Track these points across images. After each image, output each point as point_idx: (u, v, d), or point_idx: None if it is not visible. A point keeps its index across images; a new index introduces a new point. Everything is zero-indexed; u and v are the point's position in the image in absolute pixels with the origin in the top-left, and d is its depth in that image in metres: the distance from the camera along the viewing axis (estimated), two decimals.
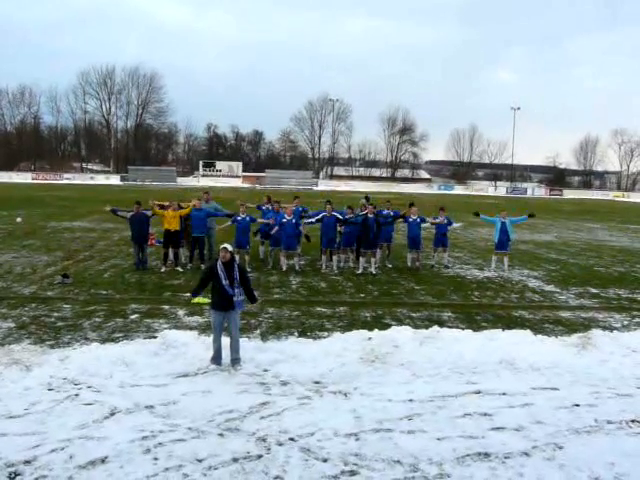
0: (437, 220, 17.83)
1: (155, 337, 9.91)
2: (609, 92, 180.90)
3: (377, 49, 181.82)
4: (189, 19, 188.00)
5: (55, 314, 11.58)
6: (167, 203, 17.31)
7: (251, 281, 9.64)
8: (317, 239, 18.49)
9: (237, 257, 16.55)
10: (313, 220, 17.14)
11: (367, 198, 19.02)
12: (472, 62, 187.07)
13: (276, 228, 16.43)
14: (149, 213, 16.53)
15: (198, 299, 12.80)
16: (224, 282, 8.71)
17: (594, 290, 15.66)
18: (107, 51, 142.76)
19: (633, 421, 7.22)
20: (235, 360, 8.82)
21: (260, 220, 17.29)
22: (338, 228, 17.47)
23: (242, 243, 16.38)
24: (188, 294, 13.30)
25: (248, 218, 16.58)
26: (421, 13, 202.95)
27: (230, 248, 8.99)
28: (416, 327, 10.91)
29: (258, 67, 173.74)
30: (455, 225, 18.40)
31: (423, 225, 17.71)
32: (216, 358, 8.82)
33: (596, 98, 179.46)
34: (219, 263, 8.83)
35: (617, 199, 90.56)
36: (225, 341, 8.91)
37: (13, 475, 5.65)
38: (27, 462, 5.86)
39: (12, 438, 6.34)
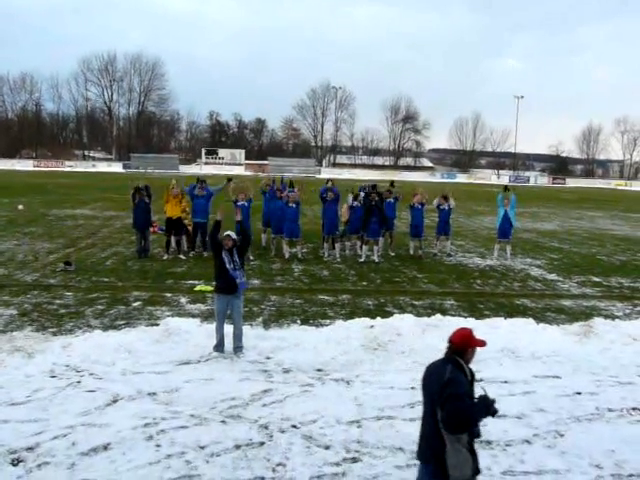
0: (440, 206, 17.78)
1: (157, 324, 9.94)
2: (613, 80, 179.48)
3: (380, 36, 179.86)
4: (192, 5, 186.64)
5: (57, 301, 11.60)
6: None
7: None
8: (319, 226, 18.48)
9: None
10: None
11: (392, 184, 18.98)
12: (476, 50, 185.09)
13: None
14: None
15: (200, 287, 12.86)
16: (228, 266, 8.78)
17: (596, 279, 15.64)
18: (109, 38, 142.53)
19: (634, 409, 7.23)
20: (238, 348, 8.84)
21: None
22: (345, 216, 17.47)
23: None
24: (193, 282, 13.35)
25: (247, 203, 16.48)
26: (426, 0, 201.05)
27: (233, 236, 9.03)
28: (418, 315, 10.91)
29: (261, 55, 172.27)
30: (452, 203, 18.19)
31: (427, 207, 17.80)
32: (219, 346, 8.84)
33: (600, 86, 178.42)
34: (224, 250, 8.90)
35: (619, 188, 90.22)
36: (228, 329, 8.92)
37: (16, 462, 5.67)
38: (30, 449, 5.88)
39: (15, 425, 6.36)
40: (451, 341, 4.36)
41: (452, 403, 4.00)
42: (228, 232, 9.09)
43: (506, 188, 18.33)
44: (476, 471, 4.21)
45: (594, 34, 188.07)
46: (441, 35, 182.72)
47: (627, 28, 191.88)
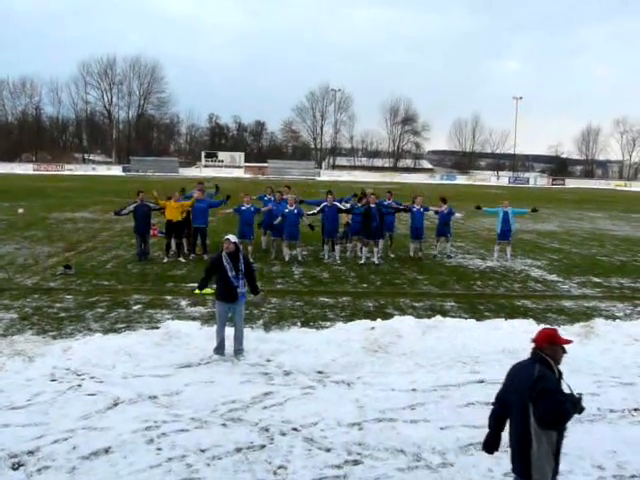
0: (440, 209, 17.78)
1: (158, 328, 9.92)
2: (612, 81, 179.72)
3: (379, 38, 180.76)
4: (191, 9, 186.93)
5: (57, 305, 11.59)
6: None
7: (256, 272, 9.60)
8: (319, 229, 18.47)
9: (240, 247, 16.59)
10: (315, 211, 17.11)
11: (390, 192, 18.92)
12: (475, 51, 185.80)
13: (279, 219, 16.39)
14: (152, 205, 16.57)
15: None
16: (230, 274, 8.69)
17: (596, 279, 15.64)
18: (108, 41, 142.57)
19: (636, 409, 7.22)
20: (238, 351, 8.83)
21: (264, 209, 17.24)
22: (346, 219, 17.48)
23: (245, 234, 16.36)
24: (193, 285, 13.33)
25: (252, 209, 16.59)
26: (426, 1, 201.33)
27: (233, 239, 8.94)
28: (419, 317, 10.90)
29: (260, 57, 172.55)
30: (457, 215, 18.32)
31: (426, 213, 17.77)
32: (219, 348, 8.82)
33: (599, 87, 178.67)
34: (224, 254, 8.79)
35: (619, 188, 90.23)
36: (229, 331, 8.91)
37: (16, 466, 5.66)
38: (30, 453, 5.87)
39: (15, 429, 6.35)
40: (535, 341, 4.41)
41: (546, 398, 4.07)
42: (228, 235, 9.03)
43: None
44: (555, 473, 4.28)
45: (593, 35, 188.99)
46: (440, 36, 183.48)
47: (627, 28, 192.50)
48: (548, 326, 4.59)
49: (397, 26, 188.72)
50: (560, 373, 4.35)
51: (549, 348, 4.31)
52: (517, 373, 4.44)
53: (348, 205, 17.29)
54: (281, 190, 18.37)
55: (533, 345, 4.39)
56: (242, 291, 8.79)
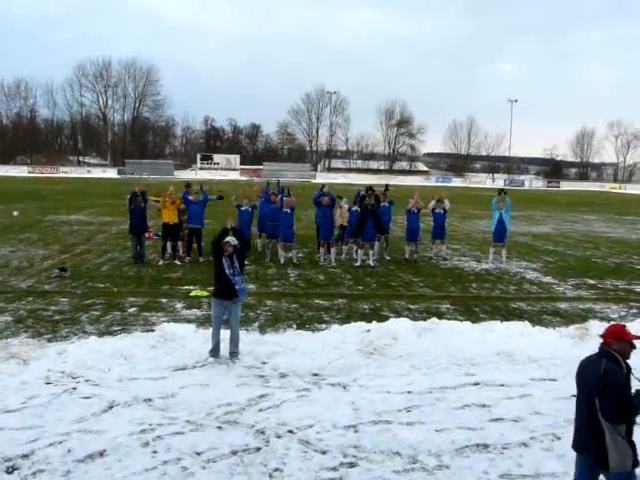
0: (435, 210, 17.82)
1: (153, 330, 9.90)
2: (606, 84, 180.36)
3: (375, 41, 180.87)
4: (187, 11, 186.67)
5: (52, 308, 11.55)
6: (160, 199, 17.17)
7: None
8: (314, 231, 18.49)
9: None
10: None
11: (387, 188, 18.94)
12: (471, 54, 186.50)
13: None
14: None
15: (196, 292, 12.84)
16: (228, 271, 8.73)
17: (591, 281, 15.68)
18: (104, 44, 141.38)
19: None
20: (234, 353, 8.82)
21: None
22: (340, 221, 17.50)
23: None
24: (188, 287, 13.32)
25: (250, 209, 16.71)
26: (422, 4, 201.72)
27: (233, 242, 8.92)
28: (414, 319, 10.91)
29: (256, 60, 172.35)
30: (447, 205, 18.16)
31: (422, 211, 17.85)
32: (214, 351, 8.81)
33: (593, 90, 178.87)
34: (224, 255, 8.85)
35: (614, 191, 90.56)
36: (224, 334, 8.90)
37: (11, 469, 5.64)
38: (25, 456, 5.85)
39: (9, 432, 6.33)
40: (603, 337, 4.50)
41: (611, 393, 4.15)
42: (228, 238, 9.02)
43: (501, 191, 18.35)
44: (635, 463, 4.32)
45: (588, 37, 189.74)
46: (436, 39, 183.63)
47: (621, 31, 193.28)
48: (617, 323, 4.70)
49: (393, 29, 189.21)
50: (629, 368, 4.43)
51: (616, 344, 4.40)
52: (585, 368, 4.57)
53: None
54: (275, 192, 18.38)
55: (601, 340, 4.51)
56: (239, 287, 8.80)
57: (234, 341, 8.86)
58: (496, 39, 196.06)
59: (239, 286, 8.80)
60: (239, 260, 8.95)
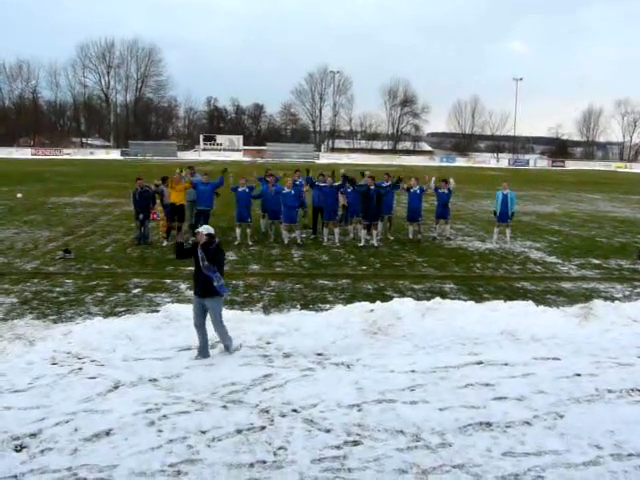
0: (439, 189, 17.69)
1: (157, 311, 9.95)
2: (614, 62, 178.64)
3: (379, 19, 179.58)
4: None
5: (57, 289, 11.60)
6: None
7: (224, 266, 8.39)
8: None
9: (238, 231, 16.62)
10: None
11: (388, 174, 18.80)
12: (476, 32, 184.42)
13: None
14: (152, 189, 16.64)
15: None
16: (202, 263, 7.91)
17: (596, 261, 15.65)
18: (107, 25, 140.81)
19: (633, 390, 7.25)
20: (227, 347, 8.33)
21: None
22: (343, 201, 17.39)
23: (243, 216, 16.38)
24: (192, 268, 13.34)
25: (248, 189, 16.54)
26: None
27: (206, 231, 8.07)
28: (418, 299, 10.92)
29: (259, 40, 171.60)
30: (452, 184, 18.01)
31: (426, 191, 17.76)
32: (202, 352, 8.17)
33: (601, 68, 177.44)
34: (199, 247, 8.01)
35: (619, 170, 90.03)
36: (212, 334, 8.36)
37: (19, 448, 5.70)
38: (32, 435, 5.92)
39: (17, 412, 6.39)
40: None
41: None
42: (203, 226, 8.32)
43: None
44: None
45: (595, 15, 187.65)
46: (440, 18, 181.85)
47: (629, 9, 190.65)
48: None
49: (397, 8, 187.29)
50: None
51: None
52: None
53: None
54: (274, 173, 18.25)
55: None
56: (218, 284, 7.96)
57: (220, 339, 8.33)
58: (502, 18, 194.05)
59: (217, 282, 7.95)
60: (215, 261, 7.98)
